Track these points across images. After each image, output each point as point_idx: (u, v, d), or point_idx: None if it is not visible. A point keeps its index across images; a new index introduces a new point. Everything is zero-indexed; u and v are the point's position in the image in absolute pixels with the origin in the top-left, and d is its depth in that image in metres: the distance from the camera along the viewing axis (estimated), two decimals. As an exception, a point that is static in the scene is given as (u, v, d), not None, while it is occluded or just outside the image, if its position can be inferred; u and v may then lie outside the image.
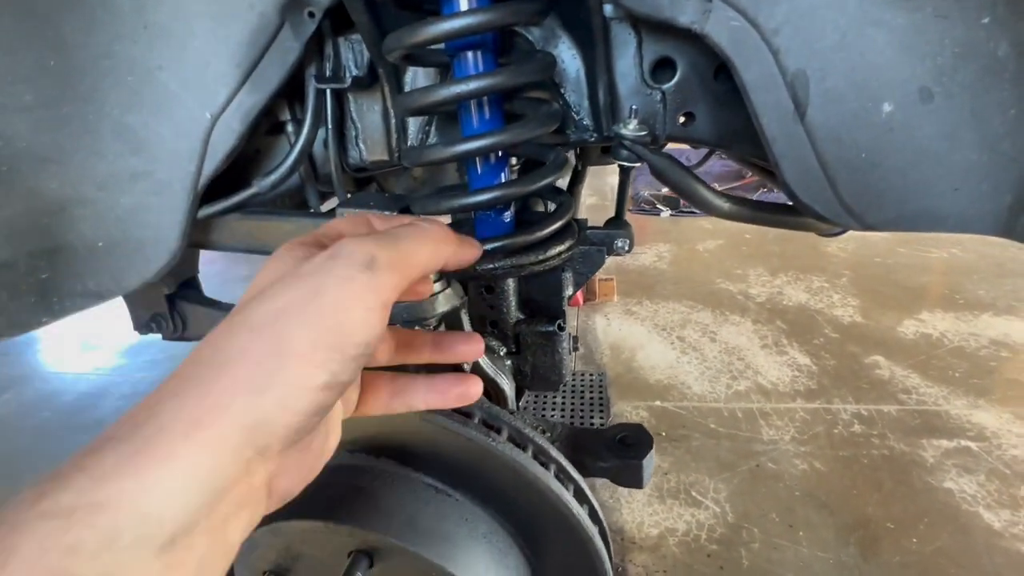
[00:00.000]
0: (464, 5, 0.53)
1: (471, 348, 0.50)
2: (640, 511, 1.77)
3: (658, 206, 4.36)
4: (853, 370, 2.42)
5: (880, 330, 2.71)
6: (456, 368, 0.61)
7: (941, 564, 1.57)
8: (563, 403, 2.24)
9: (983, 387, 2.29)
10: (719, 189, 0.65)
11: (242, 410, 0.29)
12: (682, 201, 3.99)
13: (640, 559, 1.62)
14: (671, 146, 0.69)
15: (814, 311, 2.91)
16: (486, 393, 0.72)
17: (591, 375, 2.42)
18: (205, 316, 0.96)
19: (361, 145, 0.72)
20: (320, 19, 0.58)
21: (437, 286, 0.59)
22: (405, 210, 0.59)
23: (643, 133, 0.61)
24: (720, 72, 0.60)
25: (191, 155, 0.62)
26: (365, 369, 0.41)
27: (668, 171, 0.62)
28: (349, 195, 0.69)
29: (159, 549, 0.26)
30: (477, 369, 0.68)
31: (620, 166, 0.65)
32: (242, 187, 0.69)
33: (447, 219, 0.69)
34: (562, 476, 0.65)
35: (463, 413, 0.62)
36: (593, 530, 0.66)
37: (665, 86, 0.62)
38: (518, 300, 0.75)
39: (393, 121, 0.70)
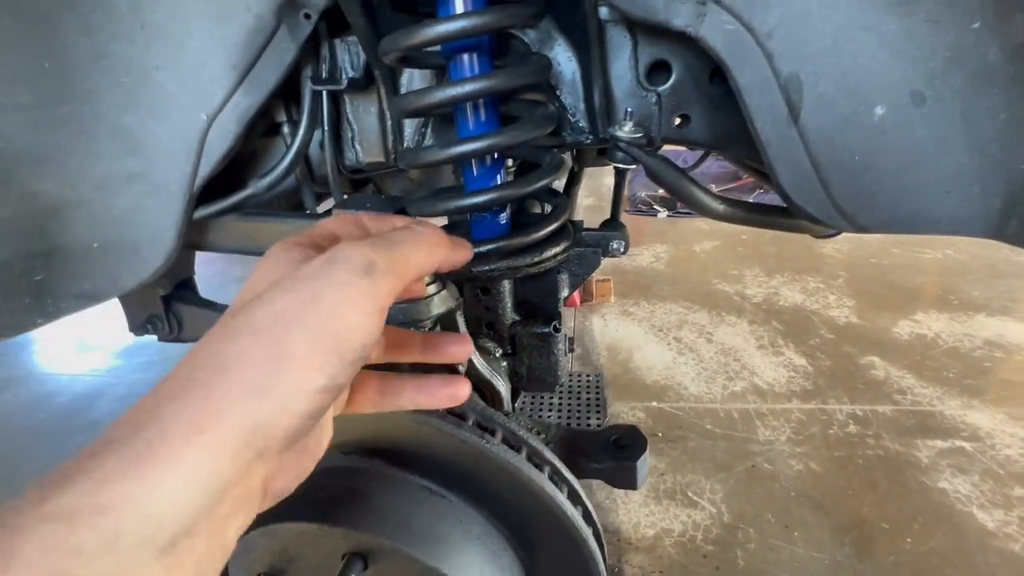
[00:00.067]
0: (460, 8, 0.53)
1: (460, 349, 0.50)
2: (636, 512, 1.77)
3: (655, 207, 4.37)
4: (848, 371, 2.43)
5: (875, 331, 2.72)
6: (449, 369, 0.61)
7: (935, 564, 1.58)
8: (560, 404, 2.23)
9: (977, 387, 2.29)
10: (716, 190, 0.66)
11: (243, 414, 0.29)
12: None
13: (636, 560, 1.62)
14: (667, 148, 0.69)
15: (810, 312, 2.91)
16: (482, 394, 0.72)
17: (588, 376, 2.42)
18: (201, 317, 0.95)
19: (357, 147, 0.72)
20: (316, 21, 0.58)
21: (431, 288, 0.59)
22: (401, 211, 0.59)
23: (639, 135, 0.61)
24: (715, 75, 0.60)
25: (187, 156, 0.62)
26: None
27: (663, 173, 0.62)
28: (345, 196, 0.69)
29: (160, 551, 0.26)
30: (472, 370, 0.68)
31: (616, 168, 0.65)
32: (238, 188, 0.69)
33: (442, 220, 0.69)
34: (556, 478, 0.65)
35: (457, 415, 0.62)
36: (587, 531, 0.66)
37: (660, 88, 0.62)
38: (514, 302, 0.75)
39: (389, 123, 0.70)
